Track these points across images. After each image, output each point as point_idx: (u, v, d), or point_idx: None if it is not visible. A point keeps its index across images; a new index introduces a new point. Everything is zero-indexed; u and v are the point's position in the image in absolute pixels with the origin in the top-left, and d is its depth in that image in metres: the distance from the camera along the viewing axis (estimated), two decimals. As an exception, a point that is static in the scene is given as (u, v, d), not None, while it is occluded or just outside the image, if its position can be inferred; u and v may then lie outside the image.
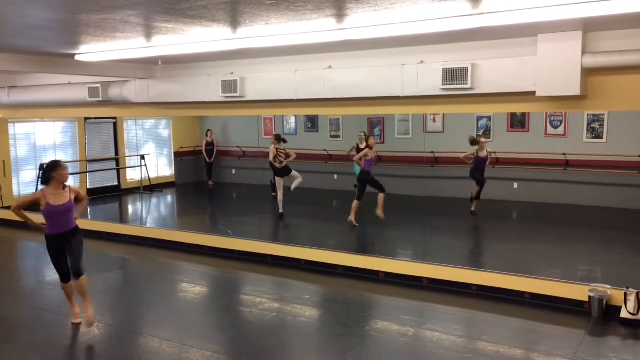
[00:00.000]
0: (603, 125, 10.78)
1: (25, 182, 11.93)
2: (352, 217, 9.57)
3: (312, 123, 14.01)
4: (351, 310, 6.16)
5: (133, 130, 14.47)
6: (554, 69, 5.54)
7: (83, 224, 10.43)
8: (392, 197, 11.48)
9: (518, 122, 11.59)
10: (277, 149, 10.50)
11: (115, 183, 13.99)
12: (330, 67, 7.06)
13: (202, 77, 8.07)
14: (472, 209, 10.40)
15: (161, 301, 6.54)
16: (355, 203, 9.61)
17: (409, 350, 5.18)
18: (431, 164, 11.70)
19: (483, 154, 10.22)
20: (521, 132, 11.54)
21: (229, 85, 7.69)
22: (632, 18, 4.66)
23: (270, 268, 7.76)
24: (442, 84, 6.17)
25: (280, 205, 10.48)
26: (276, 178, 10.64)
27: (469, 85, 6.04)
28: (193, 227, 9.92)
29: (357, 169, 11.32)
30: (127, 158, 14.29)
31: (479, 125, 12.00)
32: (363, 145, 11.07)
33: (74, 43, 6.03)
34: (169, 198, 14.43)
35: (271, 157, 10.47)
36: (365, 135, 11.46)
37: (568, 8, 4.05)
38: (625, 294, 5.59)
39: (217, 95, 7.86)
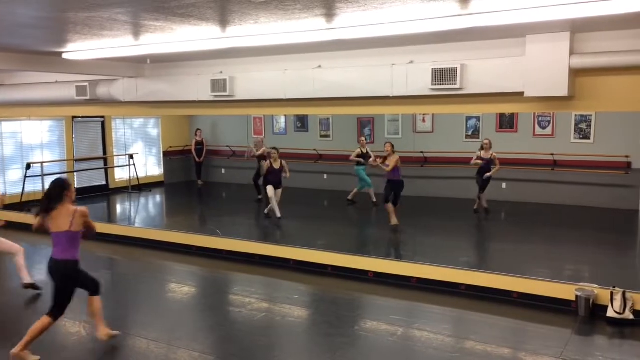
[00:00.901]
0: (590, 125, 10.87)
1: (11, 182, 11.81)
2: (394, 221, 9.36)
3: (302, 123, 13.99)
4: (340, 310, 6.16)
5: (121, 130, 14.37)
6: (542, 69, 5.57)
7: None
8: (382, 197, 11.50)
9: (507, 122, 11.65)
10: None
11: (103, 182, 13.88)
12: (319, 66, 7.05)
13: (191, 76, 8.03)
14: (475, 207, 10.51)
15: (149, 301, 6.50)
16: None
17: (398, 350, 5.19)
18: (421, 164, 11.74)
19: (486, 155, 10.21)
20: (510, 133, 11.60)
21: (218, 85, 7.66)
22: (619, 19, 4.70)
23: (259, 268, 7.74)
24: (432, 84, 6.19)
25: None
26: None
27: (458, 86, 6.06)
28: (182, 227, 9.87)
29: (360, 172, 11.32)
30: (115, 157, 14.19)
31: (468, 126, 12.05)
32: (365, 150, 11.10)
33: (61, 41, 5.98)
34: (158, 198, 14.35)
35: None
36: (366, 140, 11.54)
37: (556, 9, 4.08)
38: (612, 293, 5.64)
39: (207, 95, 7.83)
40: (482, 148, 10.32)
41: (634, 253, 8.49)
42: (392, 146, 9.39)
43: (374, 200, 11.40)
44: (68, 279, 4.83)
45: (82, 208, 4.85)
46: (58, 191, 4.77)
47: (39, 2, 4.07)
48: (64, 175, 5.02)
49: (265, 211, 10.44)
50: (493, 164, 10.16)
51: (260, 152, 11.97)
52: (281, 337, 5.56)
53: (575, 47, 5.53)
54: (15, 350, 4.69)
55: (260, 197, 11.94)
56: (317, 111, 8.12)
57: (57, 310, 4.83)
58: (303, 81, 7.11)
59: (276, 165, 10.19)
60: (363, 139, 11.64)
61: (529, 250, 8.38)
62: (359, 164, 11.29)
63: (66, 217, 4.72)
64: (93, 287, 5.14)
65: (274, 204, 10.09)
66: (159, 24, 4.83)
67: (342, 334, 5.46)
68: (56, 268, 4.80)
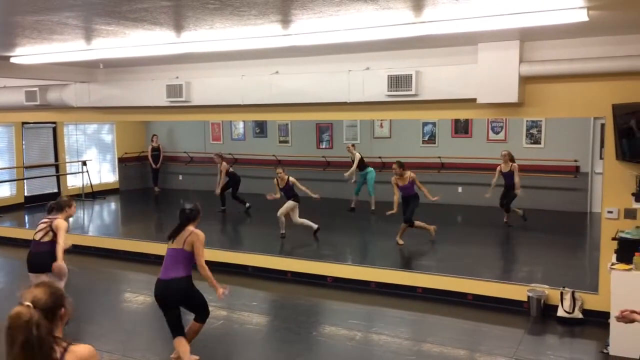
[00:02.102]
0: (541, 131, 11.22)
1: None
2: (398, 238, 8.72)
3: (261, 128, 13.95)
4: (299, 316, 6.16)
5: (74, 136, 13.99)
6: (493, 76, 5.72)
7: (19, 233, 9.97)
8: (341, 202, 11.57)
9: (462, 128, 11.91)
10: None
11: (55, 190, 13.47)
12: (277, 72, 7.05)
13: (146, 81, 7.89)
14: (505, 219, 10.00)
15: (103, 312, 6.33)
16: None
17: (356, 355, 5.22)
18: (379, 169, 11.85)
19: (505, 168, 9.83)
20: (465, 138, 11.87)
21: (174, 90, 7.55)
22: (565, 29, 4.88)
23: (217, 275, 7.56)
24: (388, 90, 6.26)
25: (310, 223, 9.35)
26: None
27: (413, 92, 6.15)
28: (137, 235, 9.68)
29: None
30: (67, 164, 13.80)
31: (425, 131, 12.26)
32: (357, 157, 11.09)
33: (9, 45, 5.78)
34: (113, 205, 14.02)
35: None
36: (353, 146, 11.36)
37: (505, 18, 4.21)
38: (562, 293, 5.83)
39: (162, 100, 7.70)
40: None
41: (583, 254, 8.80)
42: (400, 166, 8.50)
43: (352, 206, 11.40)
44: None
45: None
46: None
47: (-17, 4, 3.93)
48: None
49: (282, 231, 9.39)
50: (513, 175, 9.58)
51: (223, 169, 11.46)
52: (239, 345, 5.51)
53: (525, 55, 5.70)
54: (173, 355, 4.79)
55: (224, 208, 11.70)
56: (275, 117, 8.10)
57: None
58: (260, 87, 7.09)
59: (282, 185, 9.33)
60: (350, 144, 11.53)
61: (483, 253, 8.56)
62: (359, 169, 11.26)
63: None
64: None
65: (282, 221, 9.31)
66: (111, 29, 4.73)
67: (301, 340, 5.45)
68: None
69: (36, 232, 5.53)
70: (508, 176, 9.83)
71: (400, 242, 8.64)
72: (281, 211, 9.28)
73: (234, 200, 11.50)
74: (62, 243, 5.38)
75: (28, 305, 2.02)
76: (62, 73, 7.91)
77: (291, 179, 9.31)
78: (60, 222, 5.48)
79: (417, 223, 8.69)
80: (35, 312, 2.01)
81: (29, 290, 2.12)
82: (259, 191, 12.31)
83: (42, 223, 5.58)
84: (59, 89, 8.57)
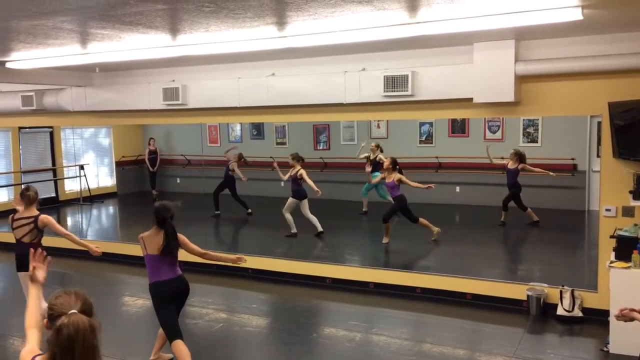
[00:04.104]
0: (538, 129, 11.23)
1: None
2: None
3: (258, 130, 13.94)
4: (299, 317, 6.15)
5: (71, 140, 13.97)
6: (489, 76, 5.72)
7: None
8: (338, 203, 11.57)
9: (459, 127, 11.92)
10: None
11: (53, 194, 13.45)
12: (273, 74, 7.05)
13: (142, 85, 7.88)
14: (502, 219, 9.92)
15: (102, 316, 6.28)
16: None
17: (356, 356, 5.21)
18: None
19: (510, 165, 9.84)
20: (462, 137, 11.87)
21: (170, 93, 7.55)
22: (559, 28, 4.89)
23: (216, 278, 7.64)
24: (384, 91, 6.26)
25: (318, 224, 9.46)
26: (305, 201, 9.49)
27: (409, 92, 6.15)
28: (136, 239, 9.61)
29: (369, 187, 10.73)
30: (65, 168, 13.77)
31: (422, 131, 12.27)
32: (374, 156, 10.53)
33: (5, 50, 5.77)
34: (111, 209, 14.00)
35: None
36: (378, 146, 10.82)
37: (500, 18, 4.21)
38: (561, 292, 5.83)
39: (158, 103, 7.70)
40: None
41: (582, 252, 8.80)
42: (391, 164, 8.53)
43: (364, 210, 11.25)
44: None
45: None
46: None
47: (-22, 10, 3.92)
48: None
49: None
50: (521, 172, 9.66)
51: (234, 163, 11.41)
52: (239, 348, 5.50)
53: (520, 54, 5.71)
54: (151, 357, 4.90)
55: (218, 212, 11.64)
56: (271, 119, 8.09)
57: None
58: (257, 89, 7.09)
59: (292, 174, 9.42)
60: (373, 144, 11.03)
61: (482, 252, 8.56)
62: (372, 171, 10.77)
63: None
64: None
65: (312, 220, 9.41)
66: (106, 32, 4.73)
67: (301, 341, 5.45)
68: (184, 285, 4.87)
69: (20, 233, 5.54)
70: (511, 174, 9.80)
71: (385, 240, 8.73)
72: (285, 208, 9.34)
73: (236, 202, 11.40)
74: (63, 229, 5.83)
75: (78, 314, 2.02)
76: (58, 77, 7.90)
77: (301, 170, 9.31)
78: (45, 217, 5.61)
79: (422, 221, 8.75)
80: (93, 320, 2.04)
81: (62, 297, 2.17)
82: (256, 194, 12.34)
83: (20, 220, 5.55)
84: (55, 94, 8.56)
